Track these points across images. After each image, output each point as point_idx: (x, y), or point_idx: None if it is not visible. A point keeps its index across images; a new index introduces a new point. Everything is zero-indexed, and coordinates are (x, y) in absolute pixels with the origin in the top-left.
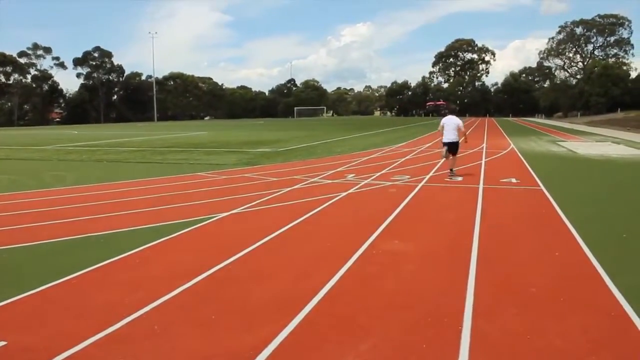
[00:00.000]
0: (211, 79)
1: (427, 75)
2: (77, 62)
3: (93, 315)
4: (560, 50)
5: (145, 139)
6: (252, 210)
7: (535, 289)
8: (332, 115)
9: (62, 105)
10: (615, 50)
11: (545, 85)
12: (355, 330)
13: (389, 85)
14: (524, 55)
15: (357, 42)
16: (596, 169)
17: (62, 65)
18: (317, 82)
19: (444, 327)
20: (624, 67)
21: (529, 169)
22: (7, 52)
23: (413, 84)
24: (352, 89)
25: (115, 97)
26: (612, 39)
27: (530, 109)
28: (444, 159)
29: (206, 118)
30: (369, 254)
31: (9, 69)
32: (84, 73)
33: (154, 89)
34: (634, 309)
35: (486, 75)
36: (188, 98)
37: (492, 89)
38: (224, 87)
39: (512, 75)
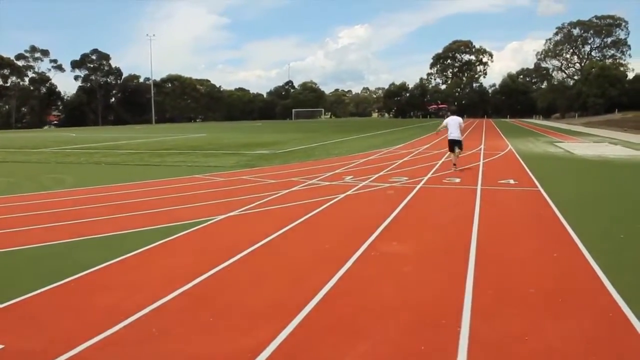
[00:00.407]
0: (209, 81)
1: (425, 77)
2: (75, 64)
3: (91, 318)
4: (557, 52)
5: (143, 142)
6: (250, 213)
7: (534, 289)
8: (330, 117)
9: (60, 107)
10: (612, 51)
11: (542, 87)
12: (353, 332)
13: (386, 86)
14: (522, 56)
15: (354, 43)
16: (594, 169)
17: (59, 67)
18: (315, 84)
19: (442, 329)
20: (621, 68)
21: (527, 170)
22: (5, 55)
23: (411, 86)
24: (350, 91)
25: (113, 99)
26: (609, 40)
27: (528, 110)
28: (449, 153)
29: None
30: (367, 256)
31: (6, 71)
32: (82, 75)
33: (152, 92)
34: (632, 310)
35: (484, 77)
36: (186, 100)
37: (490, 90)
38: (222, 89)
39: (510, 76)
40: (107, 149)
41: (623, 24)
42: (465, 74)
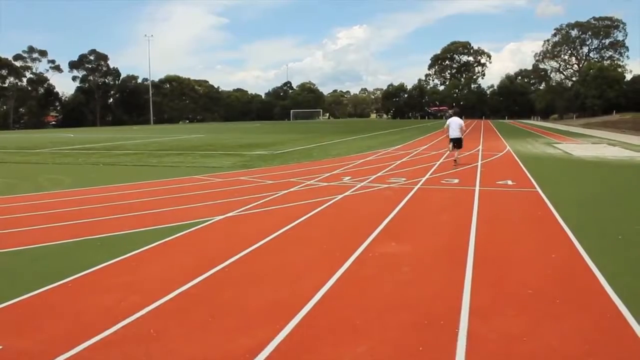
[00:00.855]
0: (207, 81)
1: (424, 78)
2: (73, 65)
3: (89, 318)
4: (555, 53)
5: (141, 142)
6: (248, 213)
7: (532, 290)
8: (329, 117)
9: (58, 108)
10: (610, 53)
11: (540, 88)
12: (352, 333)
13: (385, 87)
14: (520, 57)
15: (353, 44)
16: (592, 170)
17: (57, 68)
18: (314, 84)
19: (440, 329)
20: (619, 70)
21: (525, 171)
22: (3, 55)
23: (409, 87)
24: (348, 92)
25: (111, 100)
26: (607, 41)
27: (526, 111)
28: (449, 151)
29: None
30: (365, 257)
31: (4, 72)
32: (80, 76)
33: (150, 92)
34: (630, 311)
35: (482, 78)
36: (184, 101)
37: (488, 91)
38: (220, 89)
39: (508, 77)
40: (105, 149)
41: (621, 25)
42: (464, 75)
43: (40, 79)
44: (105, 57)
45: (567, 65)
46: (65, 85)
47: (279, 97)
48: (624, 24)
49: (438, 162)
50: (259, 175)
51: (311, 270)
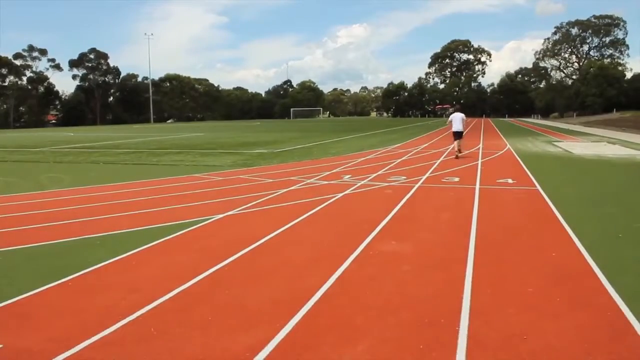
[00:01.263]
0: (207, 80)
1: (424, 76)
2: (73, 63)
3: (89, 317)
4: (556, 51)
5: (141, 141)
6: (248, 212)
7: (532, 289)
8: (329, 116)
9: (58, 107)
10: (610, 51)
11: (541, 86)
12: (352, 332)
13: (385, 86)
14: (520, 55)
15: (353, 43)
16: (592, 169)
17: (57, 67)
18: (314, 83)
19: (440, 328)
20: (620, 68)
21: (525, 169)
22: (3, 54)
23: (409, 85)
24: (348, 90)
25: (111, 98)
26: (608, 39)
27: (527, 109)
28: (456, 146)
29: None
30: (365, 255)
31: (4, 71)
32: (80, 75)
33: (150, 91)
34: (630, 309)
35: (482, 76)
36: (184, 100)
37: (489, 90)
38: (220, 88)
39: (508, 75)
40: (105, 148)
41: (621, 23)
42: (464, 74)
43: (40, 78)
44: (105, 56)
45: (568, 64)
46: (65, 84)
47: (279, 96)
48: (625, 22)
49: (438, 161)
50: (259, 174)
51: (311, 268)
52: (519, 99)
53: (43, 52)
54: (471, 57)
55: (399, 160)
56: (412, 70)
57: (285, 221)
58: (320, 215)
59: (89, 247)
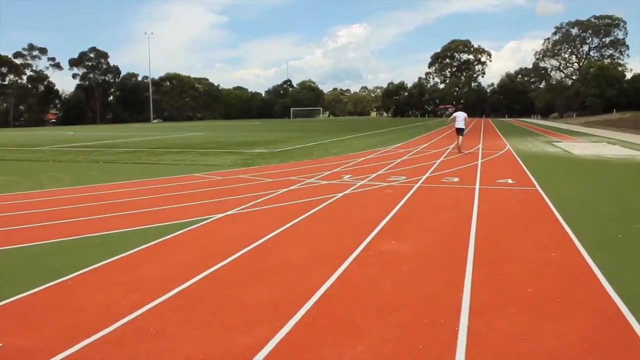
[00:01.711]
0: (207, 79)
1: (424, 76)
2: (73, 62)
3: (89, 316)
4: (556, 51)
5: (141, 140)
6: (248, 212)
7: (532, 289)
8: (329, 116)
9: (58, 106)
10: (610, 51)
11: (541, 86)
12: (352, 331)
13: (385, 86)
14: (520, 56)
15: (353, 43)
16: (592, 169)
17: (57, 66)
18: (314, 82)
19: (440, 328)
20: (620, 68)
21: (525, 169)
22: (3, 53)
23: (409, 85)
24: (348, 90)
25: (111, 97)
26: (608, 39)
27: (526, 109)
28: (458, 143)
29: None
30: (365, 255)
31: (4, 69)
32: (80, 74)
33: (150, 90)
34: (629, 309)
35: (482, 76)
36: (184, 99)
37: (488, 90)
38: (220, 87)
39: (508, 76)
40: (105, 147)
41: (621, 24)
42: (464, 74)
43: (40, 77)
44: (105, 55)
45: (568, 64)
46: (65, 83)
47: (279, 95)
48: (625, 22)
49: (438, 161)
50: (259, 174)
51: (311, 268)
52: (518, 99)
53: (43, 51)
54: (471, 57)
55: (399, 160)
56: (412, 70)
57: (285, 221)
58: (320, 215)
59: (89, 247)
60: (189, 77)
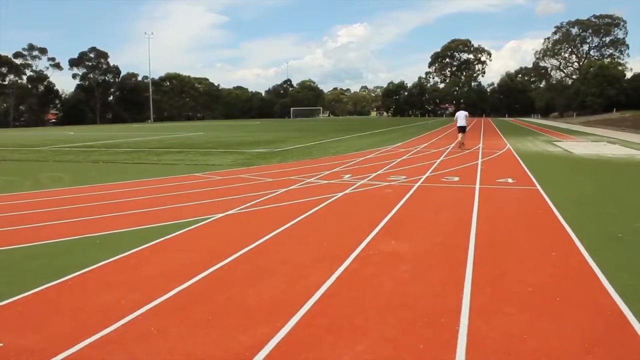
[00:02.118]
0: (207, 79)
1: (424, 76)
2: (73, 62)
3: (89, 316)
4: (556, 51)
5: (141, 140)
6: (248, 211)
7: (532, 288)
8: (329, 115)
9: (58, 106)
10: (610, 51)
11: (541, 86)
12: (352, 331)
13: (385, 85)
14: (520, 55)
15: (353, 42)
16: (592, 168)
17: (57, 66)
18: (314, 82)
19: (440, 327)
20: (620, 68)
21: (525, 169)
22: (3, 53)
23: (409, 85)
24: (348, 90)
25: (111, 97)
26: (608, 39)
27: (527, 109)
28: (460, 140)
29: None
30: (365, 255)
31: (4, 69)
32: (80, 74)
33: (150, 90)
34: (630, 308)
35: (482, 76)
36: (184, 99)
37: (489, 89)
38: (220, 87)
39: (508, 75)
40: (106, 147)
41: (621, 23)
42: (464, 73)
43: (40, 77)
44: (105, 55)
45: (568, 63)
46: (65, 83)
47: (279, 95)
48: (625, 21)
49: (438, 160)
50: (259, 173)
51: (311, 268)
52: (519, 98)
53: (43, 51)
54: (471, 56)
55: (399, 159)
56: (412, 69)
57: (284, 221)
58: (320, 214)
59: (89, 246)
60: (189, 77)
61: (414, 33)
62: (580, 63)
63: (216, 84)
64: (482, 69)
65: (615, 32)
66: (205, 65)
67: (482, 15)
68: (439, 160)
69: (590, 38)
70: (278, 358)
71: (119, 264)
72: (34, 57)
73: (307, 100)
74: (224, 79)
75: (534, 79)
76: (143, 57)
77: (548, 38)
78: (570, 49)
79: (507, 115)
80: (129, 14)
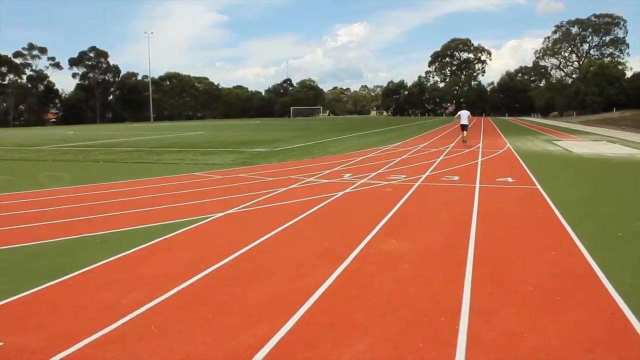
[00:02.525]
0: (207, 78)
1: (424, 75)
2: (73, 62)
3: (89, 315)
4: (556, 50)
5: (141, 139)
6: (248, 210)
7: (532, 287)
8: (329, 115)
9: (58, 105)
10: (610, 50)
11: (541, 85)
12: (352, 330)
13: (385, 84)
14: (520, 54)
15: (353, 41)
16: (592, 167)
17: (57, 65)
18: (314, 81)
19: (440, 326)
20: (620, 67)
21: (525, 168)
22: (3, 53)
23: (409, 84)
24: (348, 89)
25: (111, 97)
26: (608, 38)
27: (527, 108)
28: (463, 138)
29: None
30: (365, 254)
31: (4, 69)
32: (80, 73)
33: (150, 89)
34: (629, 307)
35: (482, 75)
36: (184, 98)
37: (489, 89)
38: (220, 87)
39: (508, 74)
40: (105, 146)
41: (622, 22)
42: (464, 72)
43: (40, 76)
44: (105, 54)
45: (568, 63)
46: (65, 82)
47: (279, 94)
48: (625, 21)
49: (438, 159)
50: (259, 172)
51: (311, 267)
52: (519, 97)
53: (43, 50)
54: (471, 55)
55: (399, 159)
56: (412, 68)
57: (285, 220)
58: (320, 213)
59: (89, 246)
60: (189, 76)
61: (414, 32)
62: (580, 62)
63: (216, 83)
64: (482, 68)
65: (615, 32)
66: (205, 64)
67: (482, 15)
68: (438, 160)
69: (590, 37)
70: (278, 357)
71: (119, 263)
72: (33, 57)
73: (307, 100)
74: (224, 78)
75: (533, 78)
76: (143, 56)
77: (548, 37)
78: (570, 48)
79: (507, 115)
80: (129, 14)
